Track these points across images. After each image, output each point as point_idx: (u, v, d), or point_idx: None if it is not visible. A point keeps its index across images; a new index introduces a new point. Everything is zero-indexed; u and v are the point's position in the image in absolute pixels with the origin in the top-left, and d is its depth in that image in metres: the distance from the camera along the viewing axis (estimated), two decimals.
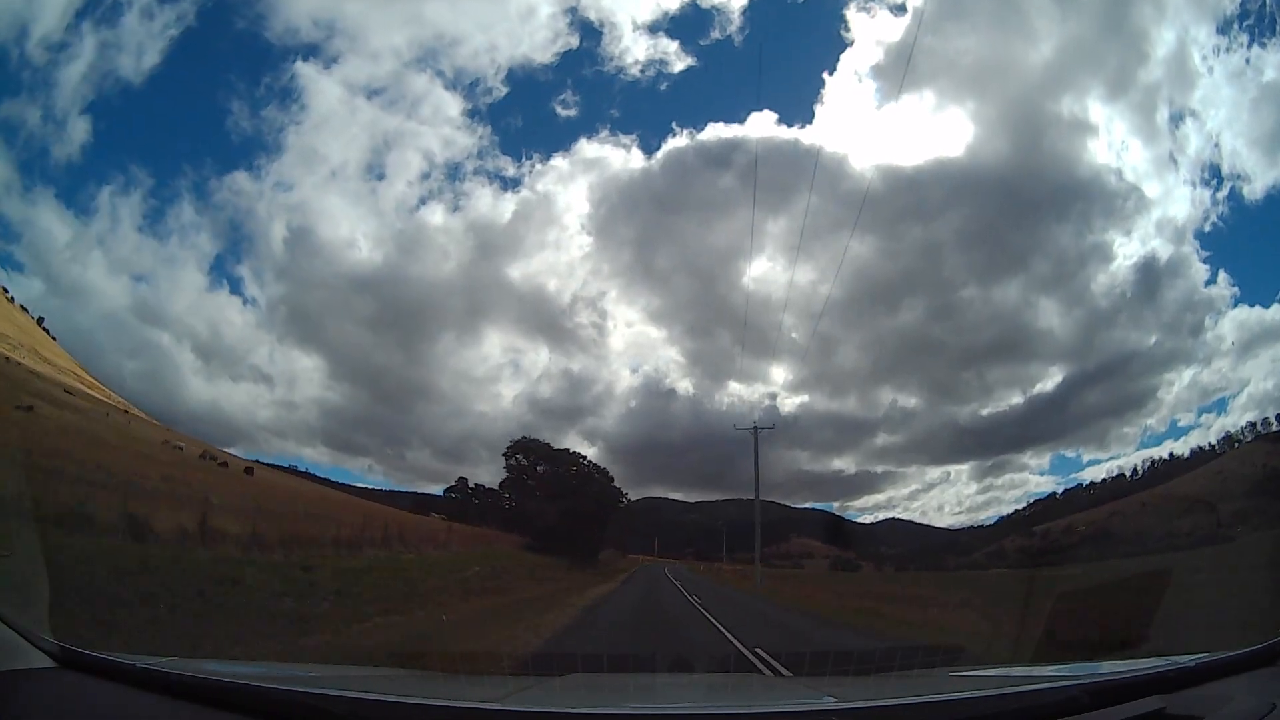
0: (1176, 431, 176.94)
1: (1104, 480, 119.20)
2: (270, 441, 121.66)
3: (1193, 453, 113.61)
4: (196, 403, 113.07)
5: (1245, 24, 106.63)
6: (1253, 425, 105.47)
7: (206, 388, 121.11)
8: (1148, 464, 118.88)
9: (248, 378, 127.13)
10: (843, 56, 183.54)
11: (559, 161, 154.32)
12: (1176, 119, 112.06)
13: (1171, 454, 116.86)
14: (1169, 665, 2.73)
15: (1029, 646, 9.11)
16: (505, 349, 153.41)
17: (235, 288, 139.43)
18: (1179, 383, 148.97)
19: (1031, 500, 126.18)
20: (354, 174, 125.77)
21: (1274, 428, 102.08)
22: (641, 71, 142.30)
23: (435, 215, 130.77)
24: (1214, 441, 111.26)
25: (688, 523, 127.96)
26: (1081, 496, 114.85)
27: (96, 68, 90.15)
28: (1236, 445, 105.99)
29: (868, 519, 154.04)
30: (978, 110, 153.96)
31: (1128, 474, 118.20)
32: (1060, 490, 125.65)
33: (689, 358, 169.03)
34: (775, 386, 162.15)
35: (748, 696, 3.70)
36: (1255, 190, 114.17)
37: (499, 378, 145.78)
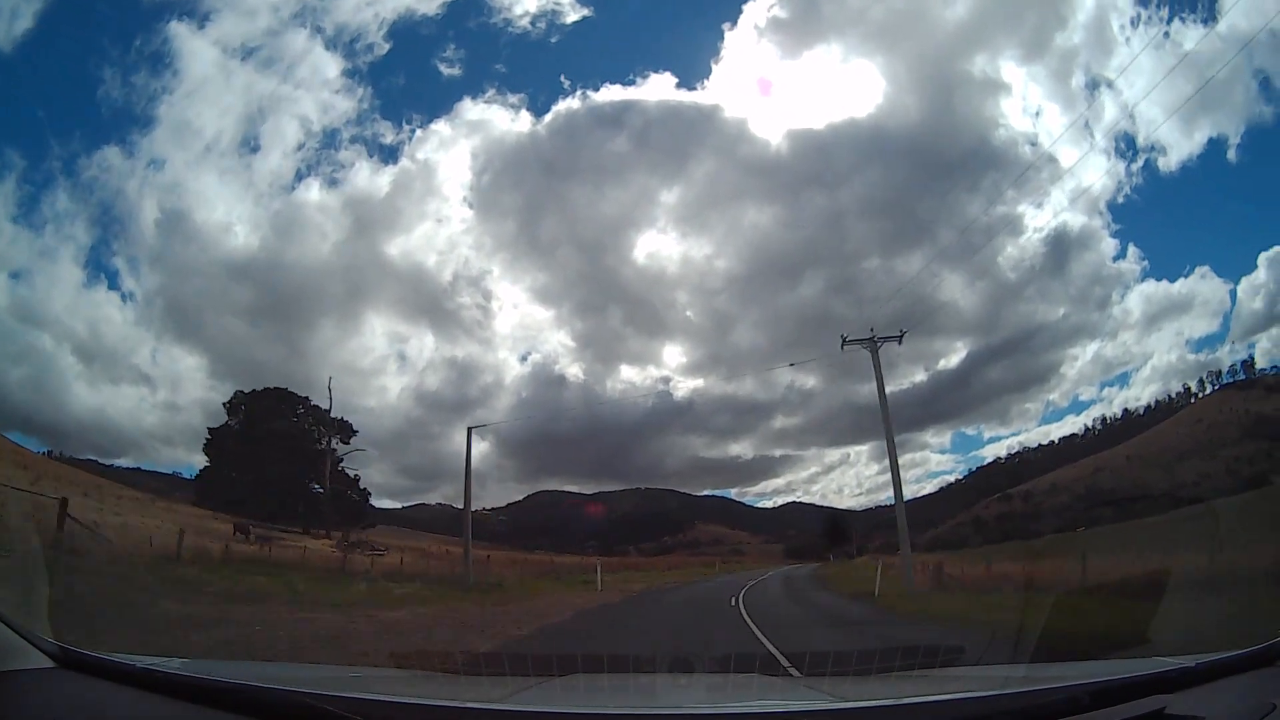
0: (1078, 406, 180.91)
1: (1052, 442, 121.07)
2: (159, 450, 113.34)
3: (1147, 408, 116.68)
4: (83, 410, 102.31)
5: None
6: (1215, 375, 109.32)
7: (91, 394, 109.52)
8: (1099, 422, 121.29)
9: (130, 380, 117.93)
10: (745, 6, 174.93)
11: (441, 126, 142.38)
12: (1093, 86, 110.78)
13: (1126, 410, 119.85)
14: (1170, 665, 2.75)
15: None
16: (389, 337, 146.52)
17: (113, 281, 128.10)
18: (1083, 357, 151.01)
19: (975, 468, 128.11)
20: (228, 147, 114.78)
21: (1223, 380, 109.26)
22: (532, 24, 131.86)
23: (312, 191, 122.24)
24: (1173, 394, 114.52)
25: (583, 516, 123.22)
26: (1036, 460, 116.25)
27: None
28: (1195, 397, 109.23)
29: (768, 504, 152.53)
30: (887, 65, 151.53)
31: (1079, 434, 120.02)
32: (1004, 456, 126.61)
33: (579, 340, 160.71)
34: (668, 370, 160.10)
35: (748, 697, 3.71)
36: (1170, 163, 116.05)
37: (384, 369, 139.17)
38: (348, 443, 52.00)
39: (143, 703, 2.46)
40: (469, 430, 31.67)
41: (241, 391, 53.40)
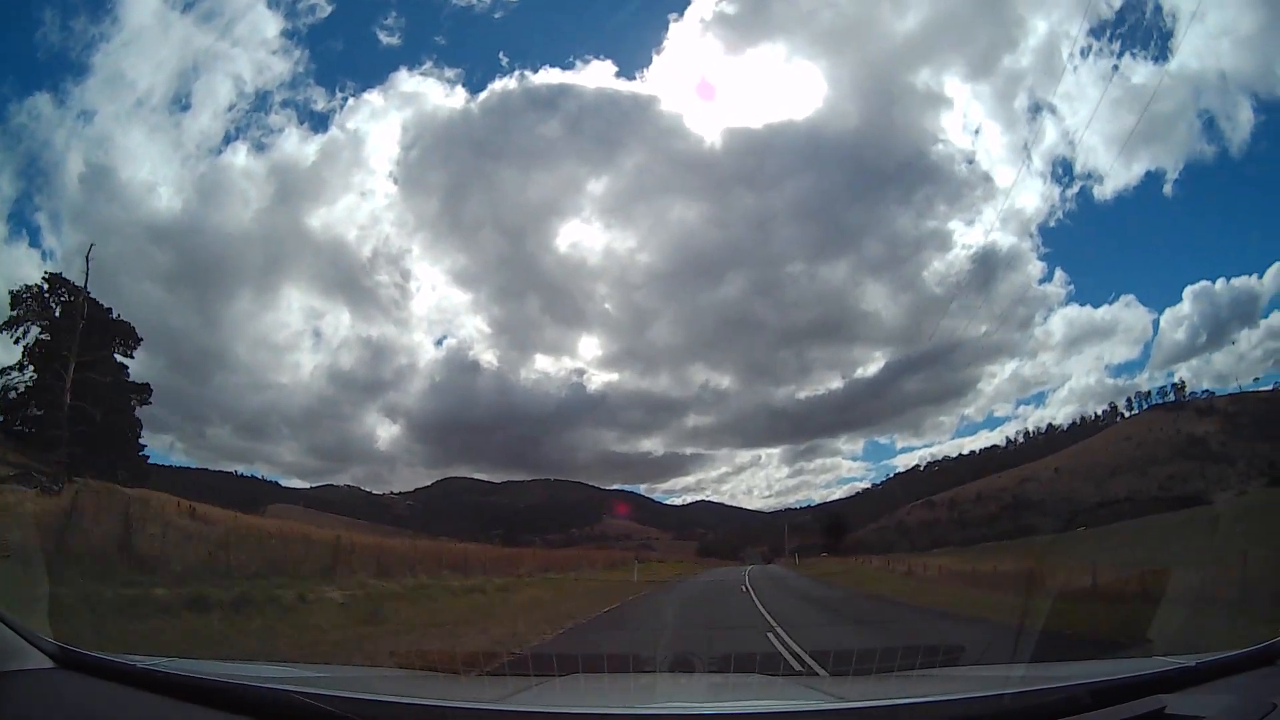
0: (993, 421, 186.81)
1: (972, 453, 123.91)
2: None
3: (1072, 424, 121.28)
4: None
5: (1119, 30, 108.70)
6: (1144, 395, 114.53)
7: (6, 356, 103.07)
8: (1022, 435, 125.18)
9: None
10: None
11: (375, 96, 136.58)
12: (1035, 110, 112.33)
13: (1050, 425, 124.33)
14: (1170, 665, 2.78)
15: None
16: (305, 312, 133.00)
17: (34, 238, 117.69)
18: (1001, 375, 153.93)
19: (890, 475, 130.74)
20: (159, 103, 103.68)
21: (1151, 401, 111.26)
22: None
23: (239, 155, 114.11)
24: (1098, 412, 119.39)
25: (491, 505, 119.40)
26: (954, 469, 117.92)
27: None
28: (1122, 416, 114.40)
29: (676, 501, 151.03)
30: (831, 70, 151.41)
31: (1001, 445, 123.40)
32: (921, 465, 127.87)
33: (495, 326, 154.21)
34: (583, 362, 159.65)
35: (748, 696, 3.72)
36: (1105, 191, 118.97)
37: (298, 345, 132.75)
38: (131, 355, 38.26)
39: (142, 703, 2.46)
40: None
41: (26, 285, 36.91)
